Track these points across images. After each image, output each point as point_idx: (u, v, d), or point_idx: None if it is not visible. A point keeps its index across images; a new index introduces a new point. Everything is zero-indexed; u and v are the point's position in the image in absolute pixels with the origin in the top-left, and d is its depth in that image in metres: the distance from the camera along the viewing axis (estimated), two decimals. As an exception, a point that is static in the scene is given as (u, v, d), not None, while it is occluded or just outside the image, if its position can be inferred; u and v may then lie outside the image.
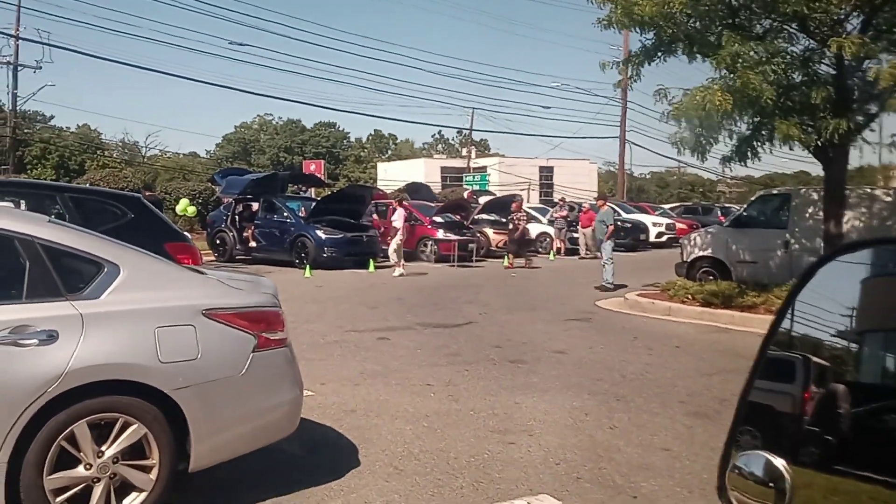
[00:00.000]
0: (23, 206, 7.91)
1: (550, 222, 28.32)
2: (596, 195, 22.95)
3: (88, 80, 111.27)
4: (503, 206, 27.91)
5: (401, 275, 19.17)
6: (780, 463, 1.56)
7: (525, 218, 23.24)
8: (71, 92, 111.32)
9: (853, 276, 1.70)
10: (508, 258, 22.56)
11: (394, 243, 20.04)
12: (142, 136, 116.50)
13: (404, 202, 23.48)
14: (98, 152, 61.92)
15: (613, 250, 17.29)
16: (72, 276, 4.15)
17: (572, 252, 26.83)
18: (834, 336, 1.71)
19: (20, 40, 36.48)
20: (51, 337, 3.85)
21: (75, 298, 4.03)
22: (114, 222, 7.98)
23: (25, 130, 54.08)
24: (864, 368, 1.70)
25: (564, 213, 27.81)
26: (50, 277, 4.03)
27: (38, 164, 56.92)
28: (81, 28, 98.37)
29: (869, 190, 14.67)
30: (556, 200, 32.59)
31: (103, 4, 71.18)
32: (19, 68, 37.58)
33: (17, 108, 41.44)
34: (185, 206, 24.86)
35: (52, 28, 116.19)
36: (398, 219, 20.24)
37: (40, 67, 37.86)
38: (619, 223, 24.17)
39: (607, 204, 18.96)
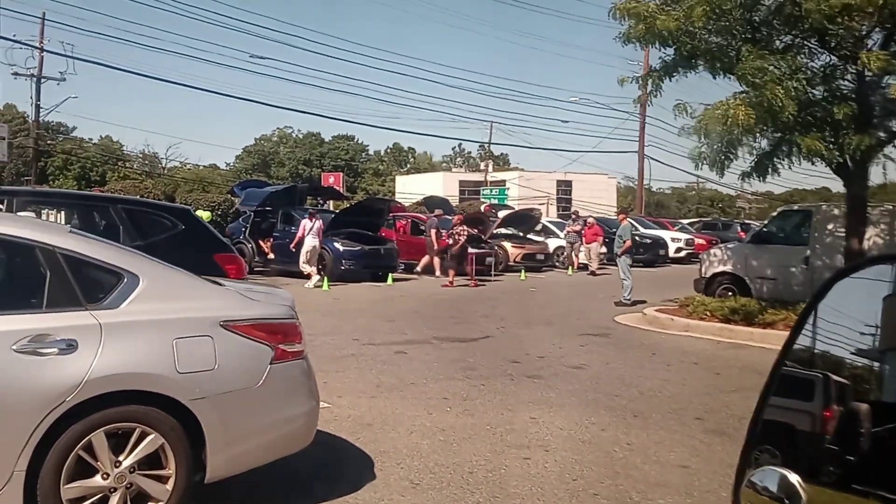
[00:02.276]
0: (61, 217, 8.14)
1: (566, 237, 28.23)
2: (616, 210, 22.78)
3: (111, 91, 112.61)
4: (522, 220, 27.88)
5: (316, 285, 18.91)
6: (794, 479, 1.54)
7: (465, 233, 22.02)
8: (94, 104, 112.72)
9: (875, 293, 1.68)
10: (450, 275, 20.87)
11: (303, 254, 19.53)
12: (162, 147, 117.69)
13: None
14: (119, 163, 62.61)
15: (631, 266, 17.15)
16: (91, 285, 4.18)
17: (585, 267, 26.64)
18: (854, 354, 1.69)
19: (44, 52, 37.07)
20: (70, 346, 3.88)
21: (95, 308, 4.05)
22: (164, 233, 8.12)
23: (48, 141, 54.77)
24: (887, 387, 1.68)
25: (577, 227, 27.70)
26: (70, 287, 4.06)
27: (59, 174, 57.68)
28: (105, 41, 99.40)
29: (891, 207, 14.54)
30: (572, 215, 32.49)
31: (126, 17, 72.33)
32: (43, 80, 38.16)
33: (40, 119, 42.00)
34: (207, 218, 25.31)
35: (76, 40, 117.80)
36: (302, 229, 19.59)
37: (64, 79, 38.60)
38: (637, 238, 24.03)
39: (627, 219, 18.78)
